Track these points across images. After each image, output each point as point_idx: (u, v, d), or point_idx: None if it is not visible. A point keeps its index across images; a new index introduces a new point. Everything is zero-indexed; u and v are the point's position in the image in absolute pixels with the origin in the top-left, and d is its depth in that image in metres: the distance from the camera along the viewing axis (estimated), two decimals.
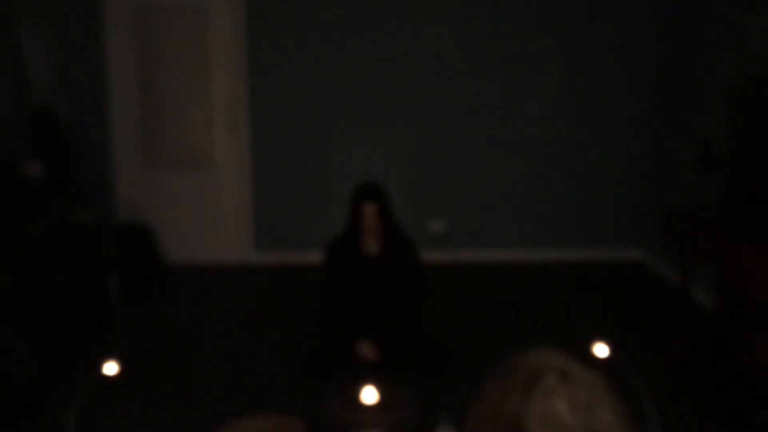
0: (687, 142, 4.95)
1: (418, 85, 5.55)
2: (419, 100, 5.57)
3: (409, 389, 3.39)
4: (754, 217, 3.49)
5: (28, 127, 4.75)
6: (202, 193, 5.68)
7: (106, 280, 4.79)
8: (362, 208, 3.77)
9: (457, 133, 5.62)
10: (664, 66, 5.48)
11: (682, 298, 4.05)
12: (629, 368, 3.71)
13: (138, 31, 5.46)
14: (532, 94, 5.60)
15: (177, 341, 4.31)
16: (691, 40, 5.08)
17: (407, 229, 4.05)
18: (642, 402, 3.45)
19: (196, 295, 5.16)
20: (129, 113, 5.56)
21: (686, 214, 3.95)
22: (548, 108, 5.62)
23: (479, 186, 5.69)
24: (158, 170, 5.65)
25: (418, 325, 3.90)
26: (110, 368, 3.53)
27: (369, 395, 3.15)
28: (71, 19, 5.31)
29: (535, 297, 4.96)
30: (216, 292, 5.26)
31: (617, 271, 5.56)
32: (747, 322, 3.61)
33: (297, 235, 5.67)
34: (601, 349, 3.59)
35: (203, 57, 5.50)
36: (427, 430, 2.93)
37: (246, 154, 5.61)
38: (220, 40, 5.48)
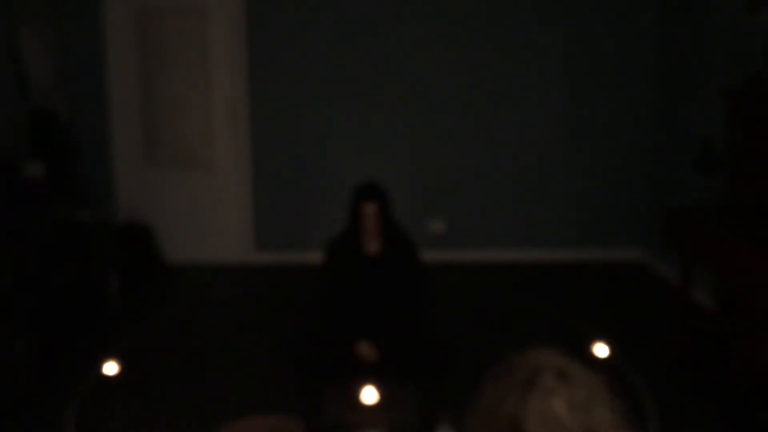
0: (687, 143, 4.95)
1: (418, 85, 5.55)
2: (419, 99, 5.57)
3: (409, 389, 3.39)
4: (754, 217, 3.49)
5: (28, 127, 4.75)
6: (202, 193, 5.68)
7: (106, 280, 4.79)
8: (362, 208, 3.77)
9: (456, 133, 5.62)
10: (664, 66, 5.48)
11: (682, 298, 4.05)
12: (629, 368, 3.71)
13: (138, 31, 5.46)
14: (531, 94, 5.60)
15: (177, 341, 4.31)
16: (691, 40, 5.08)
17: (407, 229, 4.05)
18: (642, 402, 3.45)
19: (196, 295, 5.16)
20: (129, 113, 5.56)
21: (687, 215, 3.95)
22: (548, 108, 5.62)
23: (479, 186, 5.69)
24: (158, 170, 5.65)
25: (417, 325, 3.89)
26: (110, 368, 3.54)
27: (369, 395, 3.15)
28: (71, 19, 5.31)
29: (535, 297, 4.96)
30: (216, 292, 5.26)
31: (617, 271, 5.56)
32: (747, 322, 3.61)
33: (297, 235, 5.67)
34: (601, 349, 3.60)
35: (203, 57, 5.50)
36: (427, 430, 2.93)
37: (246, 154, 5.61)
38: (220, 40, 5.48)
